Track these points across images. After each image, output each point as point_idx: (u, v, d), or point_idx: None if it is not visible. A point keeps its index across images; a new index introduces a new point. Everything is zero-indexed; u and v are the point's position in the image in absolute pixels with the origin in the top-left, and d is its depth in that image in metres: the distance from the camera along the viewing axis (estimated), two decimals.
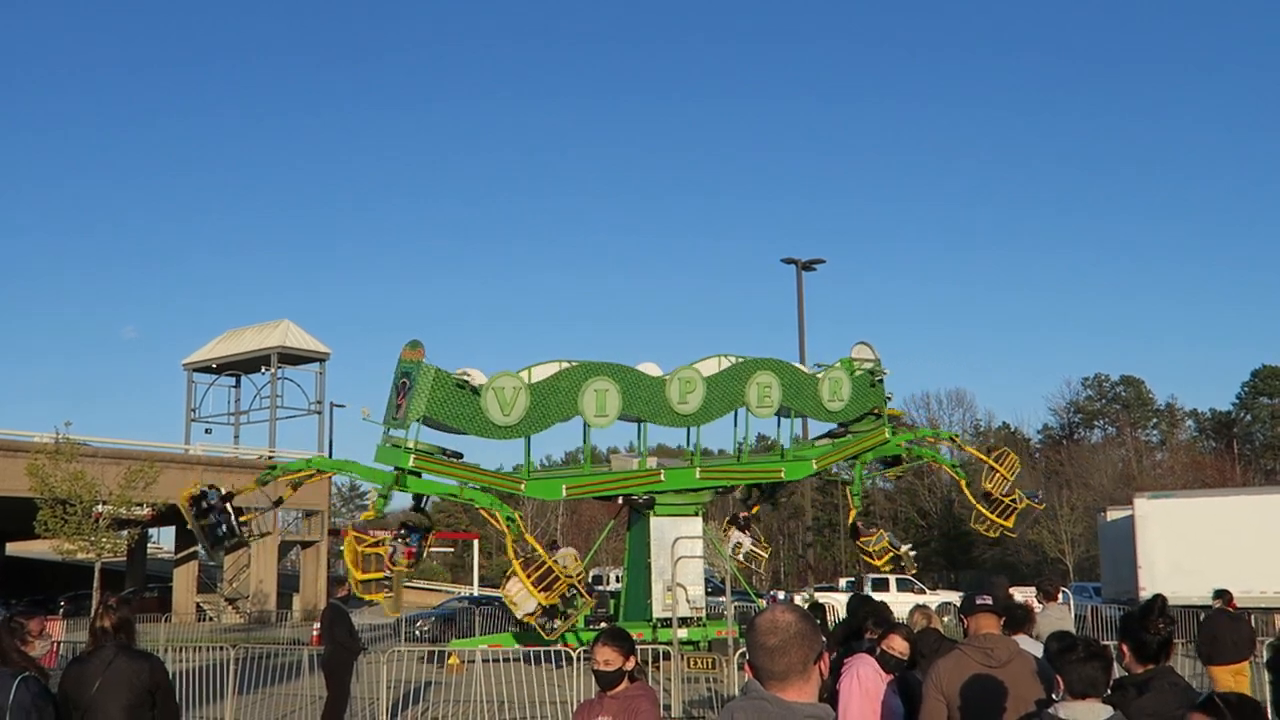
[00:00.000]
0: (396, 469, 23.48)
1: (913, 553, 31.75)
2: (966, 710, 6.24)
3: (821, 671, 3.43)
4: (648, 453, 27.43)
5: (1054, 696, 6.07)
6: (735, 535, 30.71)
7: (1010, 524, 30.53)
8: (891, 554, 30.00)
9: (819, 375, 28.79)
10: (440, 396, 23.56)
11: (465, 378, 23.90)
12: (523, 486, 25.66)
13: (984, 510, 30.23)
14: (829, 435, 30.86)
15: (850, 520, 30.99)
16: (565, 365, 25.30)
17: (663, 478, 26.68)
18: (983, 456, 32.43)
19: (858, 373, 29.34)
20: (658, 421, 26.61)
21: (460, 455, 24.82)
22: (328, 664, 15.41)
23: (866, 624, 8.03)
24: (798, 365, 29.02)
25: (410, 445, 23.49)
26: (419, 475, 23.73)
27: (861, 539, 30.36)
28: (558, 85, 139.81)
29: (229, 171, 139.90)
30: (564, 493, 26.73)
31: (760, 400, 27.51)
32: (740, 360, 27.69)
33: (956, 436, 35.91)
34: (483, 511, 24.77)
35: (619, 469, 27.35)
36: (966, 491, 31.68)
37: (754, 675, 3.50)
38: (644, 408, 26.08)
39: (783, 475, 29.20)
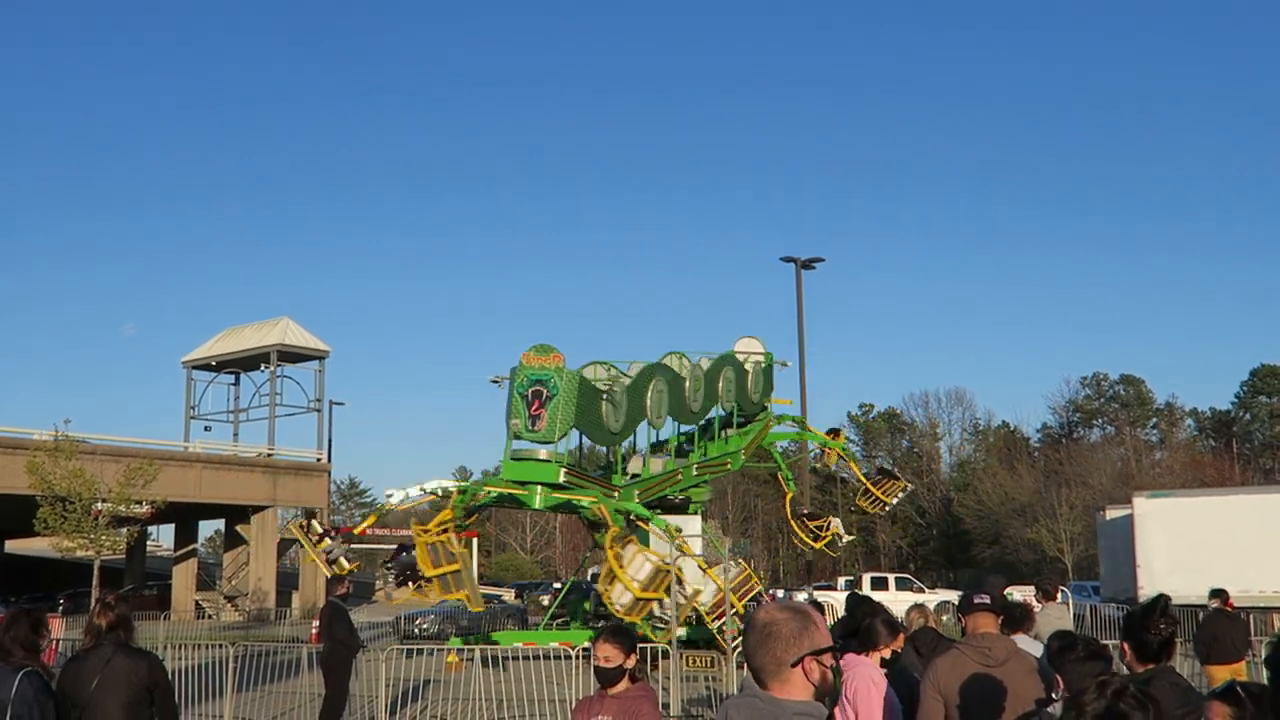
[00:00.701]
0: (541, 483, 22.58)
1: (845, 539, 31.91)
2: (964, 709, 6.22)
3: (807, 676, 3.35)
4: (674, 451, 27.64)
5: (1054, 696, 6.07)
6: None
7: (816, 546, 30.75)
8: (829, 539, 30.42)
9: (748, 369, 29.14)
10: (583, 405, 22.75)
11: (608, 384, 23.48)
12: (618, 494, 24.82)
13: (797, 528, 30.70)
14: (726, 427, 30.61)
15: (789, 500, 31.09)
16: (607, 367, 25.22)
17: (680, 477, 26.81)
18: (862, 479, 32.70)
19: (764, 365, 29.98)
20: (681, 420, 26.75)
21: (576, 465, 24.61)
22: (326, 662, 15.39)
23: (864, 623, 7.98)
24: (736, 358, 29.05)
25: (564, 459, 22.71)
26: (564, 489, 22.84)
27: (815, 522, 30.47)
28: (557, 83, 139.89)
29: (229, 169, 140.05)
30: (636, 498, 25.47)
31: (726, 395, 28.03)
32: (719, 356, 28.11)
33: (845, 452, 33.72)
34: (634, 518, 23.77)
35: (634, 470, 27.22)
36: (787, 507, 31.43)
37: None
38: (674, 407, 26.14)
39: (730, 466, 29.48)
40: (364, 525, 26.45)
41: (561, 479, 22.41)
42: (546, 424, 22.29)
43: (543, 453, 22.46)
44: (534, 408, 22.45)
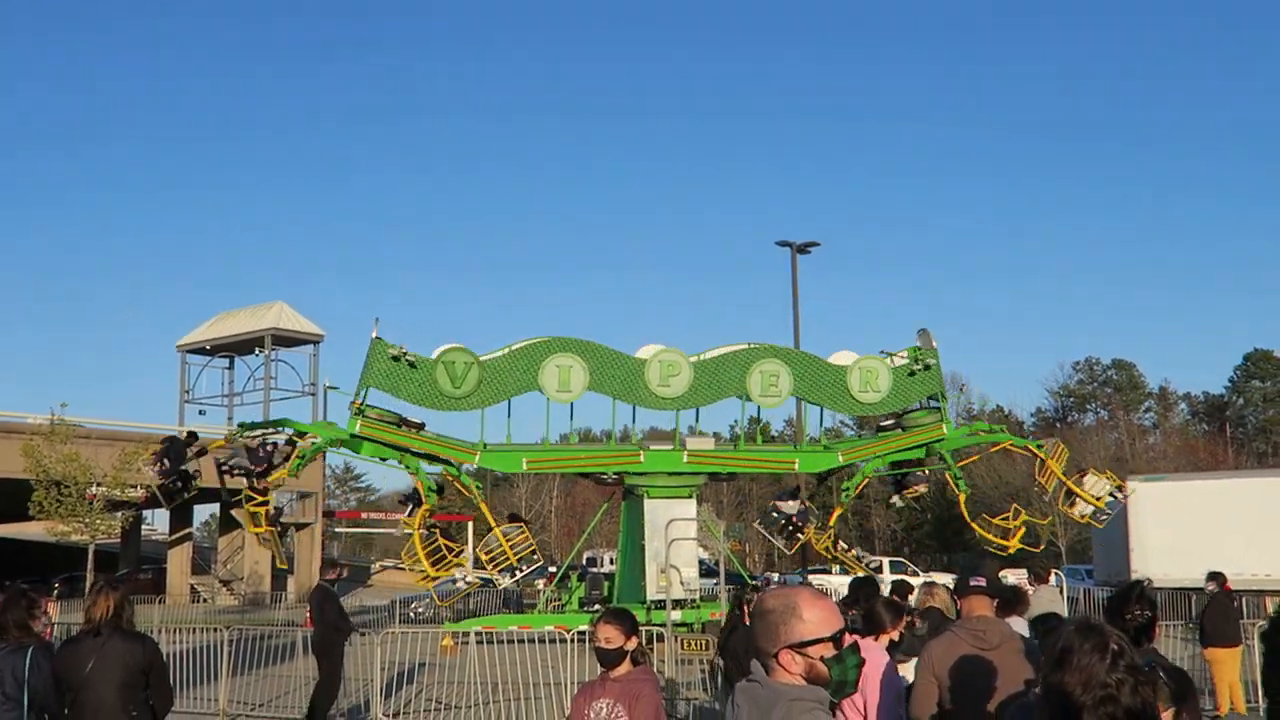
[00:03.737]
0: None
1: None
2: (957, 691, 6.26)
3: (784, 665, 3.28)
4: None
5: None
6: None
7: (1011, 543, 28.81)
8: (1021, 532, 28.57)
9: (846, 365, 27.07)
10: None
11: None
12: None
13: (980, 529, 29.52)
14: (880, 428, 29.65)
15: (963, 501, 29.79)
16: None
17: (642, 459, 26.66)
18: (1035, 450, 29.85)
19: (898, 363, 27.65)
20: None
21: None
22: (319, 645, 15.39)
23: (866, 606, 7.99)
24: (816, 356, 27.53)
25: None
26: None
27: (998, 518, 29.21)
28: (551, 69, 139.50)
29: (224, 154, 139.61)
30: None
31: (765, 389, 26.46)
32: (749, 346, 27.11)
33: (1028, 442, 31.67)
34: None
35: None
36: (963, 509, 30.04)
37: None
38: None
39: (796, 467, 28.17)
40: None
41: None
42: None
43: None
44: None
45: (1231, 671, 15.14)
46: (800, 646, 3.27)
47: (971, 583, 6.71)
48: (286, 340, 59.16)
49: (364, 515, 79.65)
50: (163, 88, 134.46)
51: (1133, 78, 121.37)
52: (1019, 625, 8.08)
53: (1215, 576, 15.80)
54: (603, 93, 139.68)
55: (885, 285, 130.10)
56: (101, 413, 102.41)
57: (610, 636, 5.80)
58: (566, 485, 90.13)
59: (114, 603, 6.98)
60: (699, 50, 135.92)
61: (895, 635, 7.36)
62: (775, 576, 45.49)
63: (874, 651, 6.90)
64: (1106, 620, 5.75)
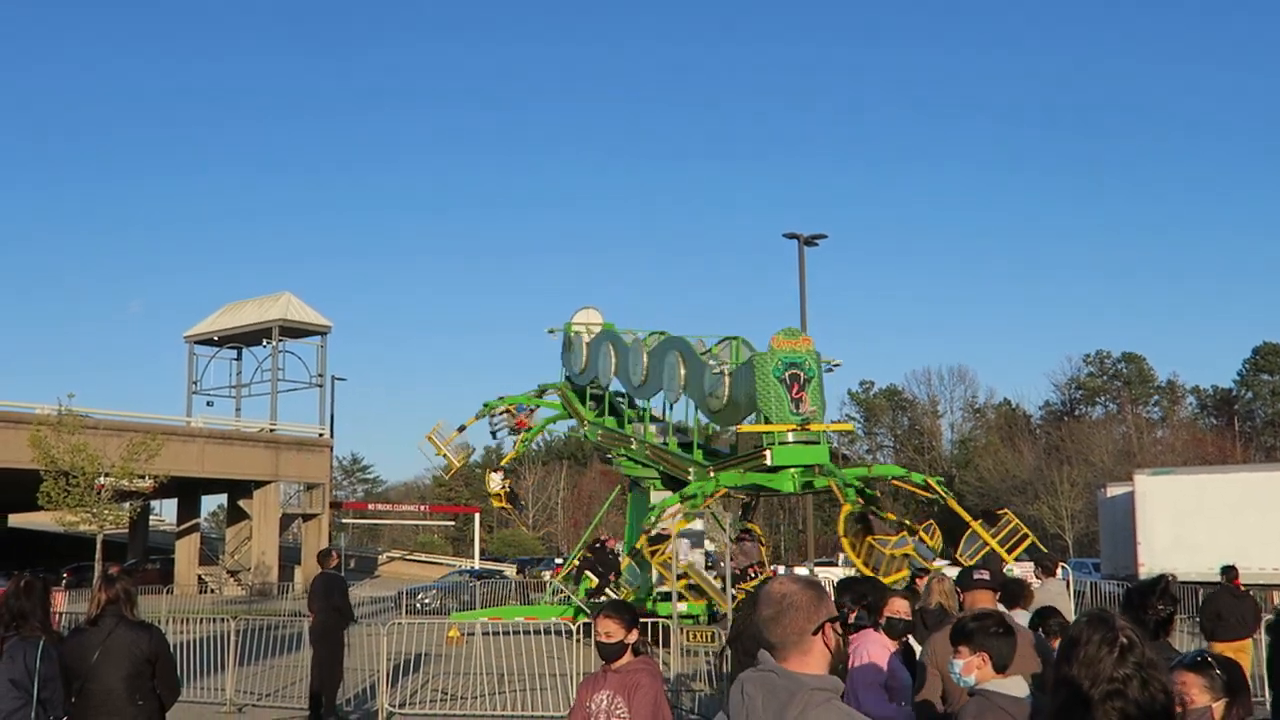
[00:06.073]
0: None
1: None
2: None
3: (826, 643, 3.39)
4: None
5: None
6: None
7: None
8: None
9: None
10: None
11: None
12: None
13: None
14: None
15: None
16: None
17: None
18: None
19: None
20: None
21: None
22: (319, 629, 15.25)
23: (844, 602, 7.90)
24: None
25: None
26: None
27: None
28: (557, 59, 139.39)
29: (232, 144, 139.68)
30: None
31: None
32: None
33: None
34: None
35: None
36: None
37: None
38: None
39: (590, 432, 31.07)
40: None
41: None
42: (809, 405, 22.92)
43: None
44: (797, 390, 22.95)
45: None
46: (834, 621, 3.45)
47: (975, 576, 6.73)
48: (294, 331, 59.30)
49: (371, 506, 79.77)
50: (170, 77, 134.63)
51: (1142, 70, 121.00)
52: (1021, 619, 8.07)
53: (1227, 570, 15.77)
54: (608, 83, 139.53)
55: (892, 278, 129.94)
56: (109, 403, 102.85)
57: (610, 630, 5.79)
58: (573, 476, 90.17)
59: (108, 596, 7.02)
60: (702, 42, 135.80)
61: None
62: (780, 569, 45.46)
63: (877, 645, 6.91)
64: (1125, 613, 5.73)
